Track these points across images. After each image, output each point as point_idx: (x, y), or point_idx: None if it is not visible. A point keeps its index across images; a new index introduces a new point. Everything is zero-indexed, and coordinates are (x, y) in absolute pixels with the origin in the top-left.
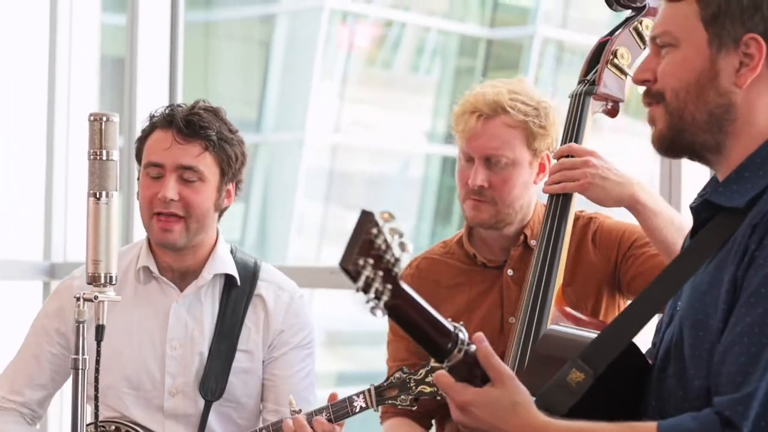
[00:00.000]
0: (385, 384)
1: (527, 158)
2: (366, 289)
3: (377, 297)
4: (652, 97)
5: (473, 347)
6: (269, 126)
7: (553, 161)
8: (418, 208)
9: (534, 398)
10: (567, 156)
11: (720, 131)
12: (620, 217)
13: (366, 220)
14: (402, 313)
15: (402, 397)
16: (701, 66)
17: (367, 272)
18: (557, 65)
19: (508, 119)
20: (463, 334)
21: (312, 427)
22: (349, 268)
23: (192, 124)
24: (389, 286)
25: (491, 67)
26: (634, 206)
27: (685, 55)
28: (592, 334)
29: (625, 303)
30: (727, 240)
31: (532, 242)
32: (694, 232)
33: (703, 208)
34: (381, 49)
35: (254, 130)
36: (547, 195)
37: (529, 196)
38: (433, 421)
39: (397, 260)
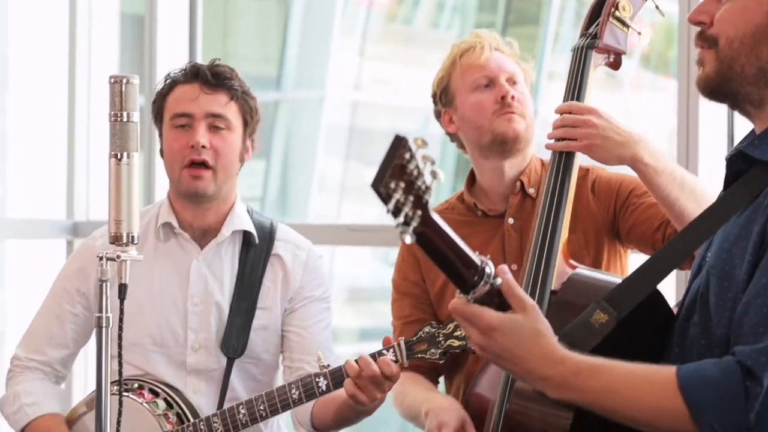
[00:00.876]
0: (414, 338)
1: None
2: (396, 213)
3: (407, 222)
4: (705, 41)
5: (499, 281)
6: (289, 83)
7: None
8: (439, 164)
9: (557, 337)
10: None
11: (766, 87)
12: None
13: (399, 144)
14: (430, 242)
15: (432, 350)
16: (759, 20)
17: (398, 196)
18: (577, 20)
19: (508, 54)
20: (490, 268)
21: (379, 368)
22: (381, 190)
23: (218, 75)
24: (419, 213)
25: (511, 22)
26: (636, 165)
27: (746, 5)
28: (617, 279)
29: (626, 253)
30: (759, 193)
31: (530, 190)
32: (727, 184)
33: (737, 160)
34: (401, 5)
35: (274, 87)
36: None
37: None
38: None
39: (428, 188)
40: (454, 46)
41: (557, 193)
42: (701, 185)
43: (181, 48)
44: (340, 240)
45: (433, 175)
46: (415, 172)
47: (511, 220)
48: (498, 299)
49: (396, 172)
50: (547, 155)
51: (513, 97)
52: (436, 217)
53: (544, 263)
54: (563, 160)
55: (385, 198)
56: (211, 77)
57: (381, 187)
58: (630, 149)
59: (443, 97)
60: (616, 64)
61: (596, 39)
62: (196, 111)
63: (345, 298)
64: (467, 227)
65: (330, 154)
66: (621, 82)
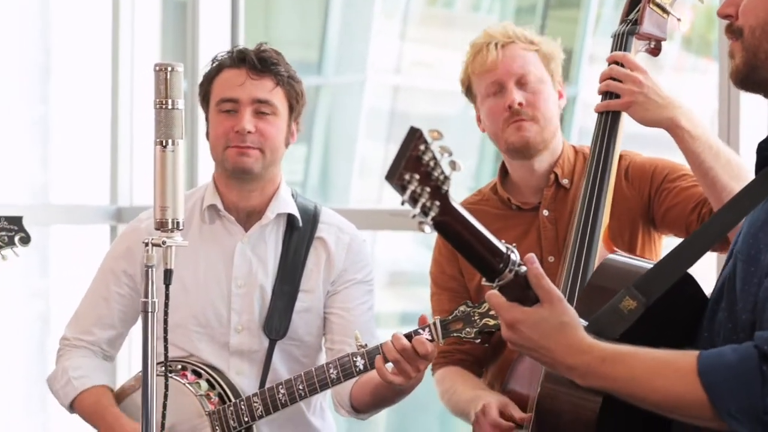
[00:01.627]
0: (449, 318)
1: (548, 77)
2: (413, 204)
3: (424, 212)
4: (733, 33)
5: (524, 268)
6: (330, 68)
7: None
8: (479, 148)
9: (587, 323)
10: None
11: None
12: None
13: (414, 136)
14: (451, 230)
15: (467, 329)
16: None
17: (414, 186)
18: (619, 3)
19: (522, 44)
20: (515, 255)
21: (413, 347)
22: (394, 182)
23: (264, 60)
24: (437, 203)
25: (552, 5)
26: (673, 129)
27: None
28: (648, 264)
29: (661, 239)
30: None
31: (564, 181)
32: (758, 170)
33: (767, 146)
34: None
35: (315, 72)
36: (594, 123)
37: (557, 121)
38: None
39: (446, 178)
40: (471, 45)
41: (598, 181)
42: (738, 159)
43: (223, 34)
44: (382, 225)
45: (452, 165)
46: (432, 163)
47: (546, 212)
48: (526, 287)
49: (411, 164)
50: (579, 141)
51: (520, 104)
52: (458, 207)
53: (586, 251)
54: (608, 125)
55: (400, 189)
56: (258, 62)
57: (395, 179)
58: (669, 112)
59: (469, 96)
60: (656, 51)
61: (637, 25)
62: (242, 96)
63: (386, 283)
64: (502, 221)
65: (371, 138)
66: (662, 65)
